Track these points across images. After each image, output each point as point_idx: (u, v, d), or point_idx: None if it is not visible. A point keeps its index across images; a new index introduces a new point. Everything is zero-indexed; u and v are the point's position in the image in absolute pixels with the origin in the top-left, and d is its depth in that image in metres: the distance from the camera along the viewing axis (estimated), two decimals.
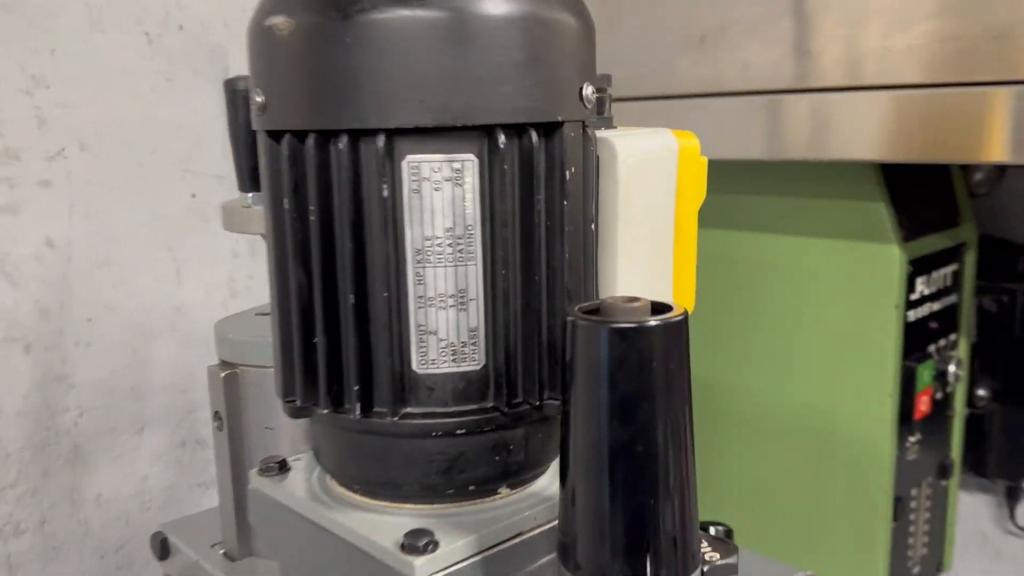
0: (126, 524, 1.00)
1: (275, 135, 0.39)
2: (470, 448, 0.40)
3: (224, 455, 0.60)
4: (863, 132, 0.74)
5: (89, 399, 0.95)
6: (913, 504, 0.89)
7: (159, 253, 0.99)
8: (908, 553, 0.89)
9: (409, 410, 0.39)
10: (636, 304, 0.34)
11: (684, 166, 0.46)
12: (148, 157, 0.97)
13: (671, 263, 0.47)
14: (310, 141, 0.38)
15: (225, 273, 1.06)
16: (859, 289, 0.84)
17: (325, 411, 0.40)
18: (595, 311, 0.34)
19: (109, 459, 0.98)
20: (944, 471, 0.93)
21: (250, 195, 0.61)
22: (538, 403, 0.40)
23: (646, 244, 0.45)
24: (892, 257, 0.81)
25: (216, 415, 0.59)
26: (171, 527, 0.66)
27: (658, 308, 0.34)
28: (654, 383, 0.33)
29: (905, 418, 0.84)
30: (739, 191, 0.91)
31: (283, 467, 0.47)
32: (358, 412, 0.39)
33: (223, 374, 0.59)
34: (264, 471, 0.47)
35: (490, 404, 0.40)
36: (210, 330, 0.64)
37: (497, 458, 0.41)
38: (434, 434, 0.39)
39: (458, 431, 0.39)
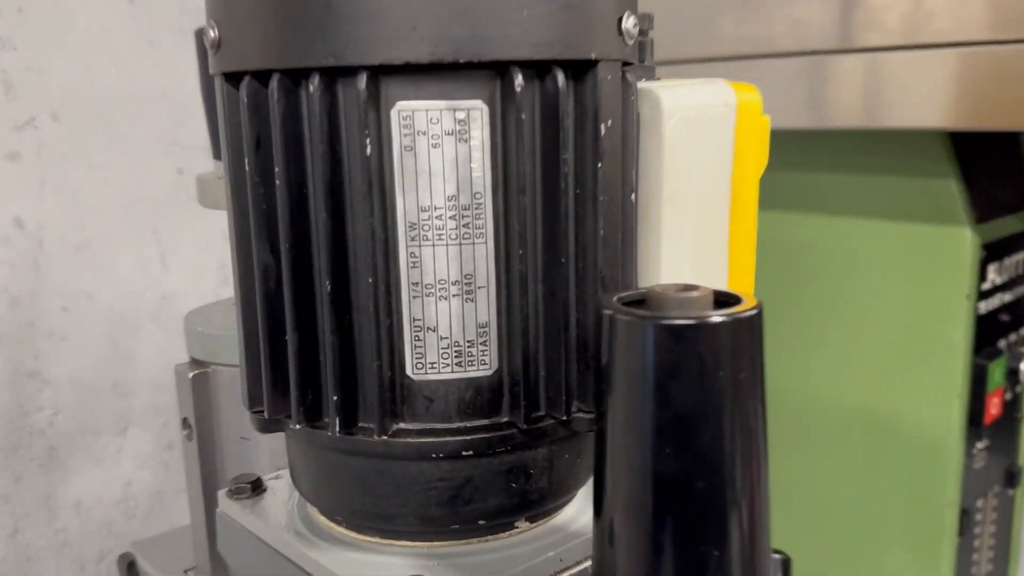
0: (109, 533, 0.97)
1: (233, 78, 0.34)
2: (479, 473, 0.35)
3: (194, 469, 0.55)
4: (930, 96, 0.68)
5: (65, 397, 0.92)
6: (979, 516, 0.85)
7: (142, 235, 0.96)
8: (972, 571, 0.85)
9: (402, 426, 0.34)
10: (694, 294, 0.28)
11: (743, 125, 0.40)
12: (129, 128, 0.93)
13: (726, 243, 0.41)
14: (274, 84, 0.32)
15: (215, 258, 1.02)
16: (924, 277, 0.79)
17: (298, 426, 0.35)
18: (639, 302, 0.28)
19: (89, 462, 0.95)
20: (1012, 479, 0.89)
21: None
22: (565, 417, 0.35)
23: (696, 219, 0.39)
24: (964, 241, 0.76)
25: (185, 422, 0.54)
26: (142, 547, 0.63)
27: (723, 299, 0.28)
28: (720, 398, 0.27)
29: (974, 422, 0.79)
30: (783, 166, 0.85)
31: (257, 487, 0.43)
32: (338, 428, 0.34)
33: (191, 374, 0.54)
34: (234, 492, 0.42)
35: (504, 418, 0.35)
36: None
37: (513, 485, 0.35)
38: (434, 456, 0.34)
39: (464, 452, 0.34)
